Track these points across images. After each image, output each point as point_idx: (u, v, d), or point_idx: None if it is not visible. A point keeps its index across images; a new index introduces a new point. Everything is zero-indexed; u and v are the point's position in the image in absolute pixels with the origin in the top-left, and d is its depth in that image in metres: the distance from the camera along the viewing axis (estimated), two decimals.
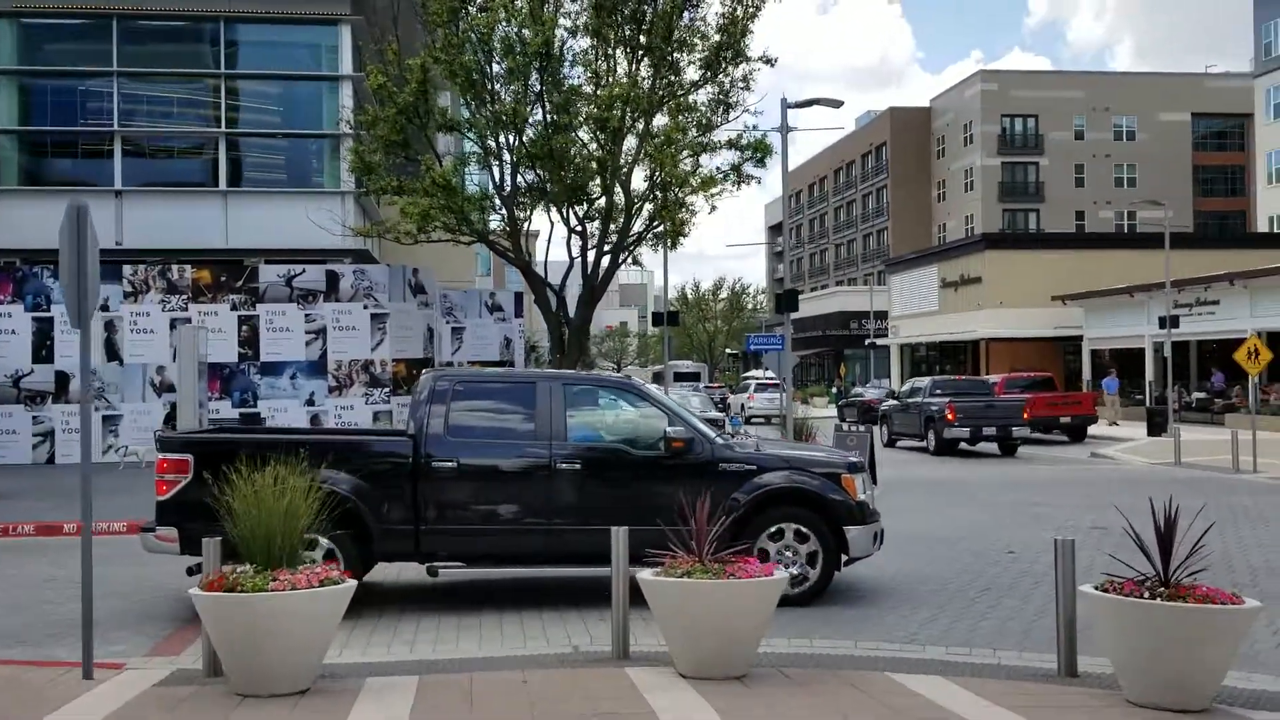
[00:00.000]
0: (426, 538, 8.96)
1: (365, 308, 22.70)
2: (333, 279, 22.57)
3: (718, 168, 19.84)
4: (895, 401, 30.96)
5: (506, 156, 19.26)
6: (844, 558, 9.41)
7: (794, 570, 9.09)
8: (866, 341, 59.03)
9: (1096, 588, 6.39)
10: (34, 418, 21.63)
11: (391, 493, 8.92)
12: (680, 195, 17.99)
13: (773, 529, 9.16)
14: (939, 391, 27.93)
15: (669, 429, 9.13)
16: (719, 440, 9.38)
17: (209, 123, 24.23)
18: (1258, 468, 21.33)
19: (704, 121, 19.53)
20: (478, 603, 9.44)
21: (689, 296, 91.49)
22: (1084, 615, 6.75)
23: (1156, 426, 31.34)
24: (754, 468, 9.23)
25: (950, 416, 25.62)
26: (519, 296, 30.42)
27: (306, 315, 22.53)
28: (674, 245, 19.71)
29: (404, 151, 19.12)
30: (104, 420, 21.76)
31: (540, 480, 9.04)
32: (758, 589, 6.57)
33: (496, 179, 19.95)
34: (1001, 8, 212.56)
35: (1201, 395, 37.60)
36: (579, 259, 20.73)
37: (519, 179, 20.06)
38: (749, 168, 20.01)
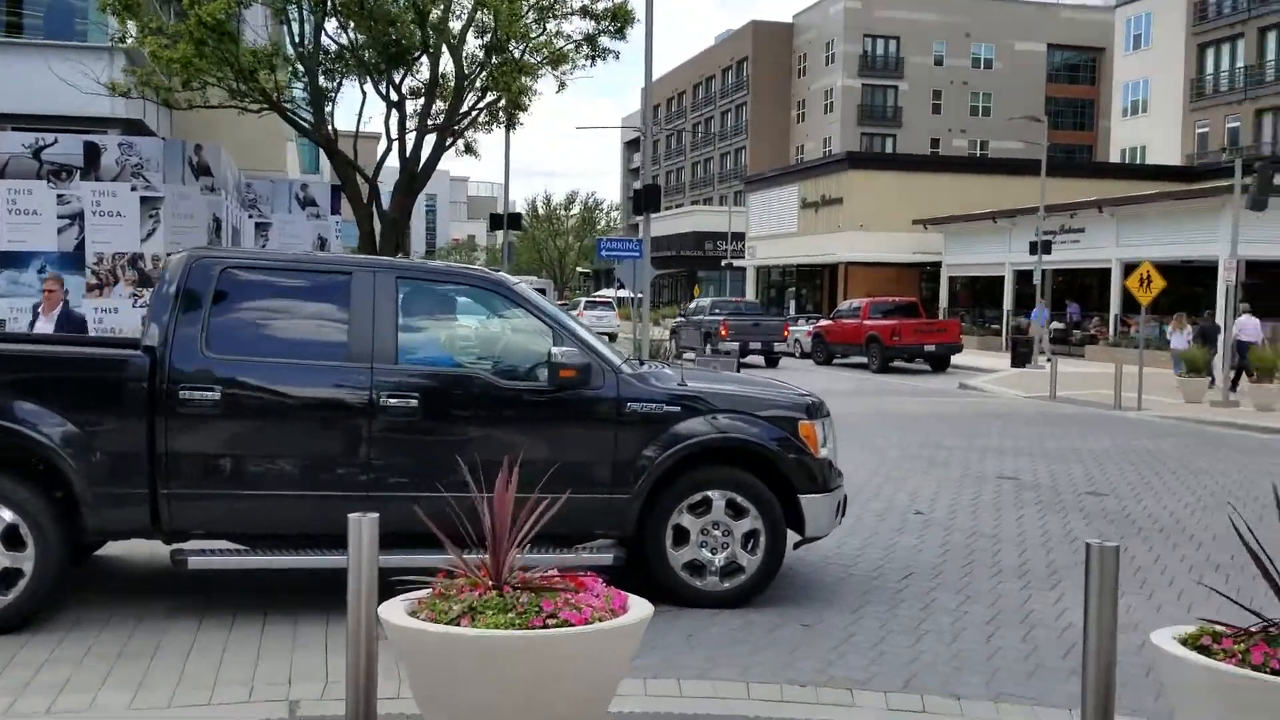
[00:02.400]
0: (171, 506, 5.78)
1: (134, 189, 18.53)
2: (92, 152, 18.30)
3: (568, 36, 16.50)
4: (683, 318, 35.19)
5: (306, 4, 15.48)
6: (795, 538, 6.64)
7: (720, 559, 6.33)
8: (723, 263, 56.76)
9: (1186, 641, 3.64)
10: None
11: (116, 437, 5.70)
12: (519, 58, 14.65)
13: (695, 498, 6.31)
14: (717, 311, 32.38)
15: (555, 350, 6.13)
16: (626, 370, 6.41)
17: None
18: (1142, 405, 19.67)
19: None
20: (188, 610, 6.22)
21: (540, 210, 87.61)
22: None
23: (1021, 357, 29.91)
24: (676, 410, 6.31)
25: (723, 332, 29.25)
26: (337, 190, 26.38)
27: (59, 196, 18.26)
28: (512, 124, 16.42)
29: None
30: None
31: (354, 422, 5.98)
32: (599, 645, 3.63)
33: (295, 34, 16.13)
34: None
35: (1059, 326, 36.57)
36: (397, 140, 17.20)
37: (324, 37, 16.30)
38: (605, 41, 16.73)
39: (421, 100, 16.88)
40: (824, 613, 6.39)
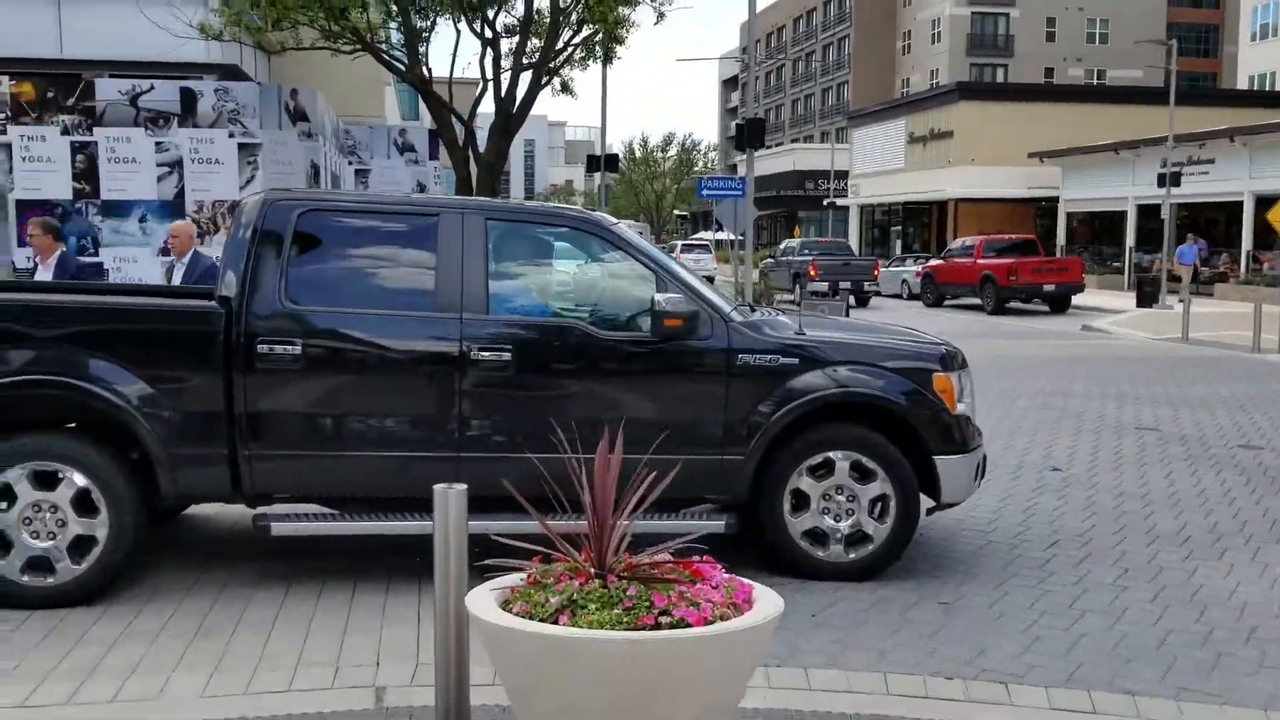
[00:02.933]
0: (253, 467, 5.36)
1: (231, 135, 18.41)
2: (189, 98, 18.19)
3: None
4: (772, 260, 34.86)
5: None
6: (929, 505, 5.97)
7: (844, 527, 5.70)
8: (825, 202, 55.23)
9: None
10: None
11: (192, 395, 5.29)
12: None
13: (816, 459, 5.67)
14: (806, 251, 32.26)
15: (659, 297, 5.50)
16: (737, 317, 5.75)
17: None
18: None
19: None
20: (273, 578, 5.84)
21: (636, 153, 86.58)
22: None
23: (1147, 297, 28.29)
24: (793, 362, 5.65)
25: (813, 272, 29.02)
26: (434, 135, 26.11)
27: (158, 143, 18.22)
28: (609, 58, 15.67)
29: None
30: None
31: (444, 378, 5.46)
32: (721, 650, 3.05)
33: None
34: None
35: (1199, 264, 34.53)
36: (492, 80, 16.63)
37: None
38: None
39: (516, 38, 16.22)
40: (964, 588, 5.72)
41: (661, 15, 15.82)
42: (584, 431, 5.41)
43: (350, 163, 23.39)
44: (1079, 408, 12.13)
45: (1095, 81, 66.82)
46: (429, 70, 15.95)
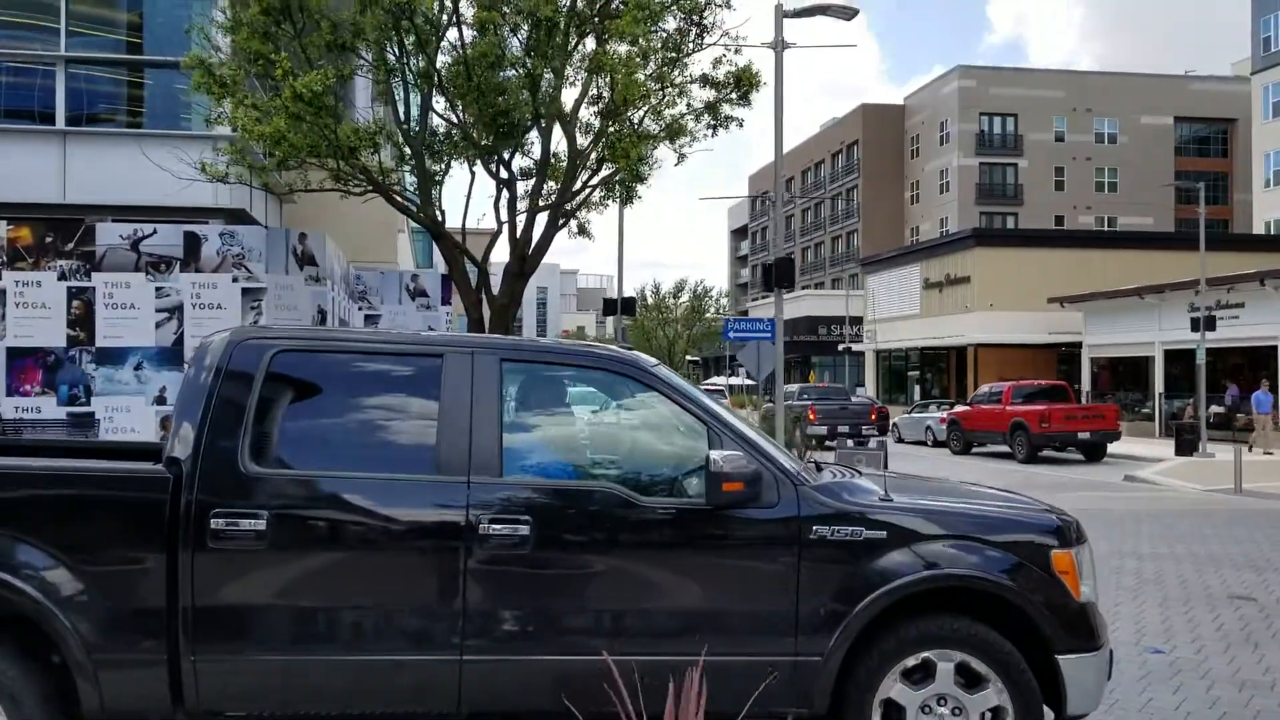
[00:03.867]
0: (199, 676, 4.23)
1: (235, 280, 17.71)
2: (193, 242, 17.55)
3: (688, 105, 15.12)
4: (771, 405, 35.22)
5: (410, 77, 14.44)
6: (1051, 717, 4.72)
7: None
8: (841, 347, 54.62)
9: None
10: None
11: (126, 582, 4.20)
12: (637, 122, 13.27)
13: (911, 661, 4.54)
14: (805, 396, 32.58)
15: (715, 455, 4.44)
16: (807, 479, 4.68)
17: (47, 44, 19.15)
18: None
19: (672, 44, 14.80)
20: None
21: (649, 299, 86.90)
22: None
23: (1186, 445, 27.08)
24: (880, 535, 4.54)
25: (811, 416, 29.45)
26: (446, 279, 25.61)
27: (158, 289, 17.51)
28: (629, 198, 15.00)
29: (270, 69, 14.18)
30: None
31: (446, 558, 4.38)
32: None
33: (400, 112, 15.12)
34: (968, 21, 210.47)
35: (1219, 410, 33.47)
36: (507, 223, 15.99)
37: (430, 116, 15.27)
38: (729, 108, 15.29)
39: (532, 180, 15.64)
40: None
41: (682, 156, 15.23)
42: (621, 623, 4.31)
43: (360, 308, 22.74)
44: (1155, 571, 10.89)
45: (1106, 228, 67.07)
46: (442, 213, 15.30)
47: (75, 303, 17.44)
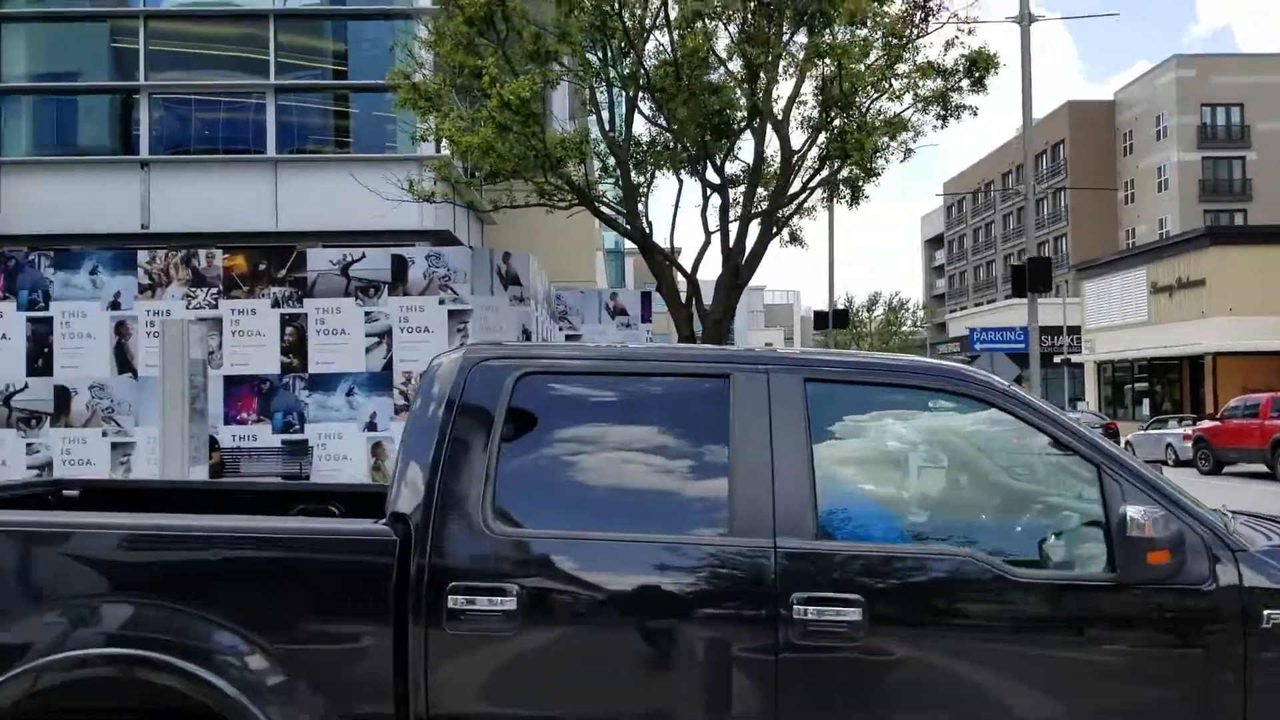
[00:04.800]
0: None
1: (441, 302, 17.35)
2: (400, 266, 17.31)
3: (915, 95, 13.73)
4: None
5: (616, 80, 13.63)
6: None
7: None
8: (1058, 359, 51.24)
9: None
10: (28, 445, 16.97)
11: (337, 674, 3.33)
12: (866, 113, 11.99)
13: None
14: None
15: (1134, 512, 3.21)
16: (1241, 540, 3.41)
17: (256, 74, 19.45)
18: None
19: (895, 29, 13.46)
20: None
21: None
22: None
23: None
24: None
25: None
26: (646, 297, 24.86)
27: (367, 313, 17.33)
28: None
29: (475, 83, 13.64)
30: (112, 448, 16.98)
31: (748, 651, 3.32)
32: None
33: (606, 121, 14.33)
34: (1171, 12, 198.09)
35: None
36: (717, 231, 15.01)
37: (635, 122, 14.42)
38: (958, 96, 13.81)
39: (743, 186, 14.57)
40: None
41: (909, 152, 13.85)
42: None
43: (561, 328, 22.24)
44: None
45: None
46: (649, 224, 14.41)
47: (288, 329, 17.45)
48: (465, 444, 3.47)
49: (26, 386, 17.38)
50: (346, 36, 20.34)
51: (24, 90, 19.52)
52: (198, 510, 4.22)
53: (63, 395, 17.30)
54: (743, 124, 13.10)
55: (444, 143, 13.93)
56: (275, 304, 17.64)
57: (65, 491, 4.73)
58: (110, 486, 5.19)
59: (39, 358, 17.25)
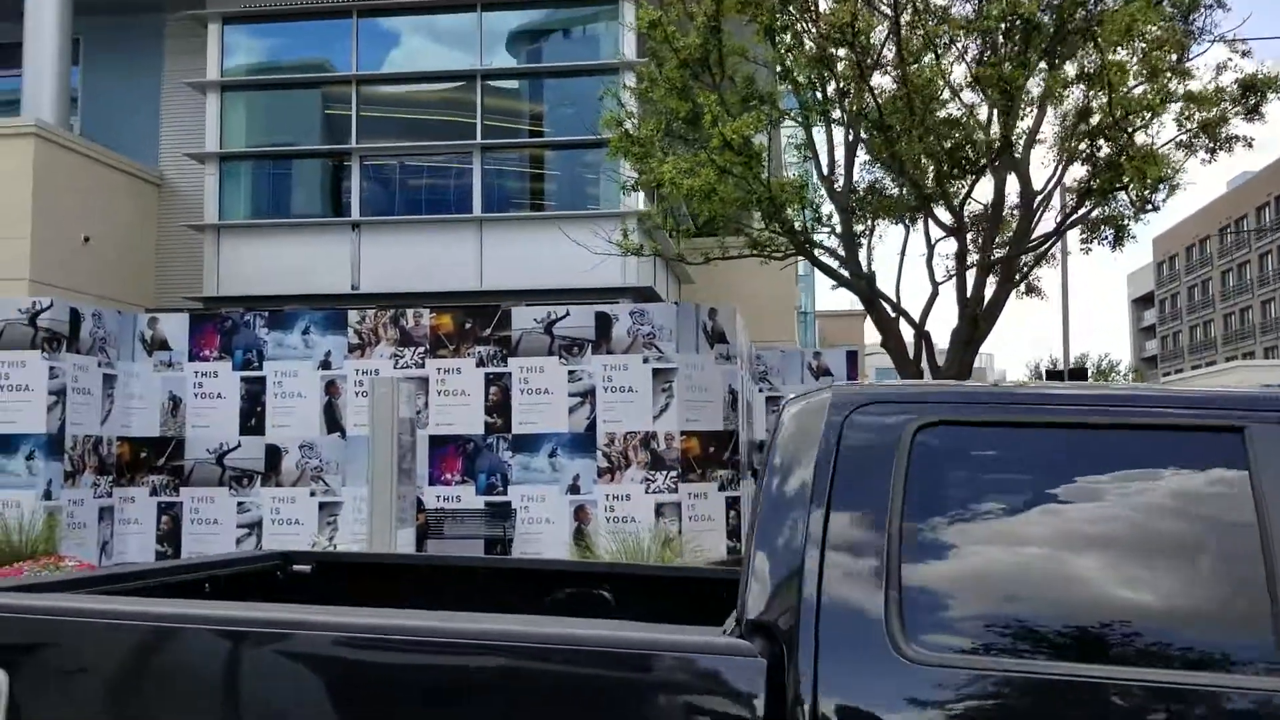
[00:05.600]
0: None
1: (646, 361, 16.66)
2: (604, 323, 16.75)
3: (1179, 125, 12.22)
4: None
5: (836, 122, 12.69)
6: None
7: None
8: None
9: None
10: (239, 504, 17.09)
11: None
12: (1148, 132, 10.61)
13: None
14: None
15: None
16: None
17: (462, 134, 19.43)
18: None
19: (1162, 50, 12.04)
20: None
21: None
22: None
23: None
24: None
25: None
26: (853, 356, 23.66)
27: (570, 372, 16.81)
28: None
29: (689, 129, 12.98)
30: (320, 508, 16.91)
31: None
32: None
33: (824, 164, 13.39)
34: None
35: None
36: (946, 280, 13.81)
37: (856, 163, 13.43)
38: (1228, 126, 12.24)
39: (977, 230, 13.32)
40: None
41: (1173, 189, 12.31)
42: None
43: (760, 389, 21.26)
44: None
45: None
46: (872, 275, 13.33)
47: (493, 389, 17.07)
48: (849, 524, 2.47)
49: (239, 445, 17.61)
50: (549, 95, 20.18)
51: (243, 156, 20.10)
52: (441, 590, 3.42)
53: (274, 454, 17.42)
54: (985, 161, 11.88)
55: (656, 192, 13.28)
56: (480, 363, 17.34)
57: (295, 565, 4.01)
58: (343, 561, 4.44)
59: (252, 416, 17.45)
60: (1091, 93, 10.61)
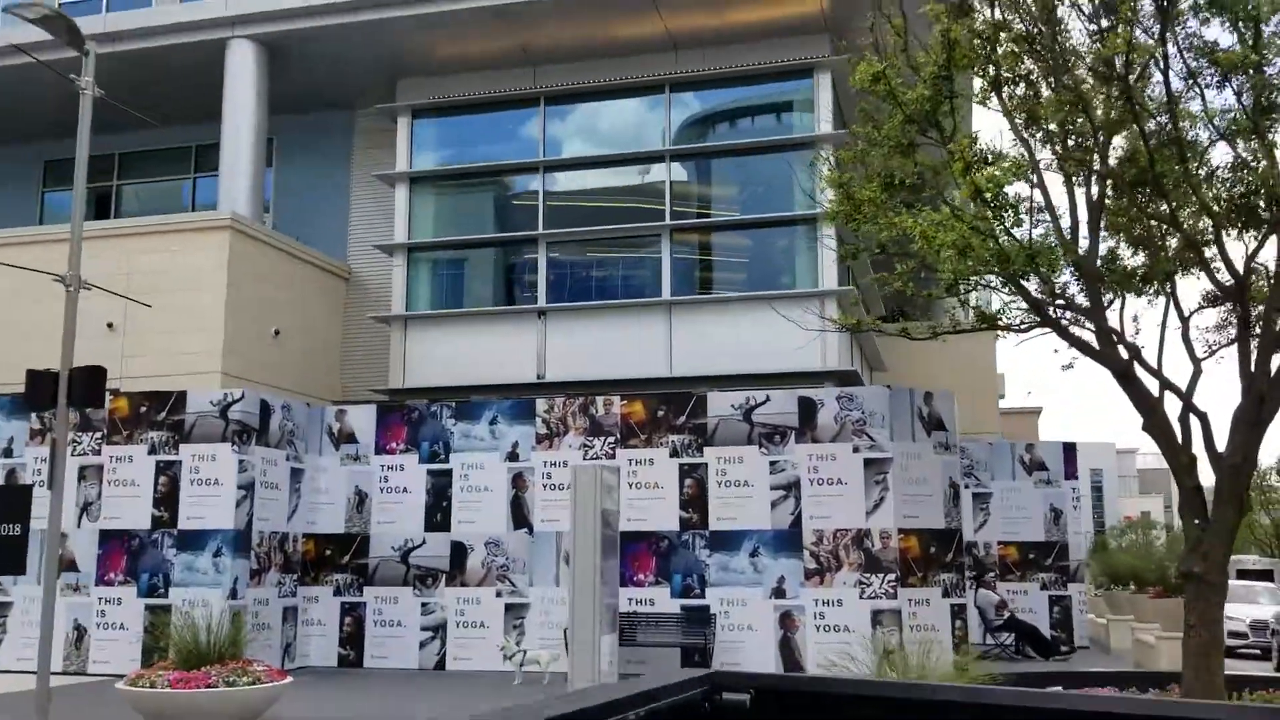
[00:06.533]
0: None
1: (856, 450, 15.22)
2: (808, 409, 15.45)
3: None
4: None
5: (1081, 185, 11.22)
6: None
7: None
8: None
9: None
10: (423, 605, 16.24)
11: None
12: None
13: None
14: None
15: None
16: None
17: (650, 216, 18.67)
18: None
19: None
20: None
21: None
22: None
23: None
24: None
25: None
26: (1070, 449, 21.67)
27: (773, 463, 15.51)
28: None
29: (911, 193, 11.75)
30: (506, 610, 15.91)
31: None
32: None
33: (1068, 223, 11.90)
34: None
35: None
36: (1213, 353, 12.07)
37: (1103, 226, 11.88)
38: None
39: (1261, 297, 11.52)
40: None
41: None
42: None
43: (966, 485, 19.40)
44: None
45: None
46: (1131, 346, 11.64)
47: (688, 481, 15.83)
48: None
49: (424, 543, 16.88)
50: (738, 174, 19.30)
51: (431, 246, 19.82)
52: None
53: (459, 551, 16.58)
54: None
55: (875, 260, 12.04)
56: (674, 453, 16.20)
57: (725, 695, 2.88)
58: (796, 688, 3.17)
59: (438, 511, 16.71)
60: None
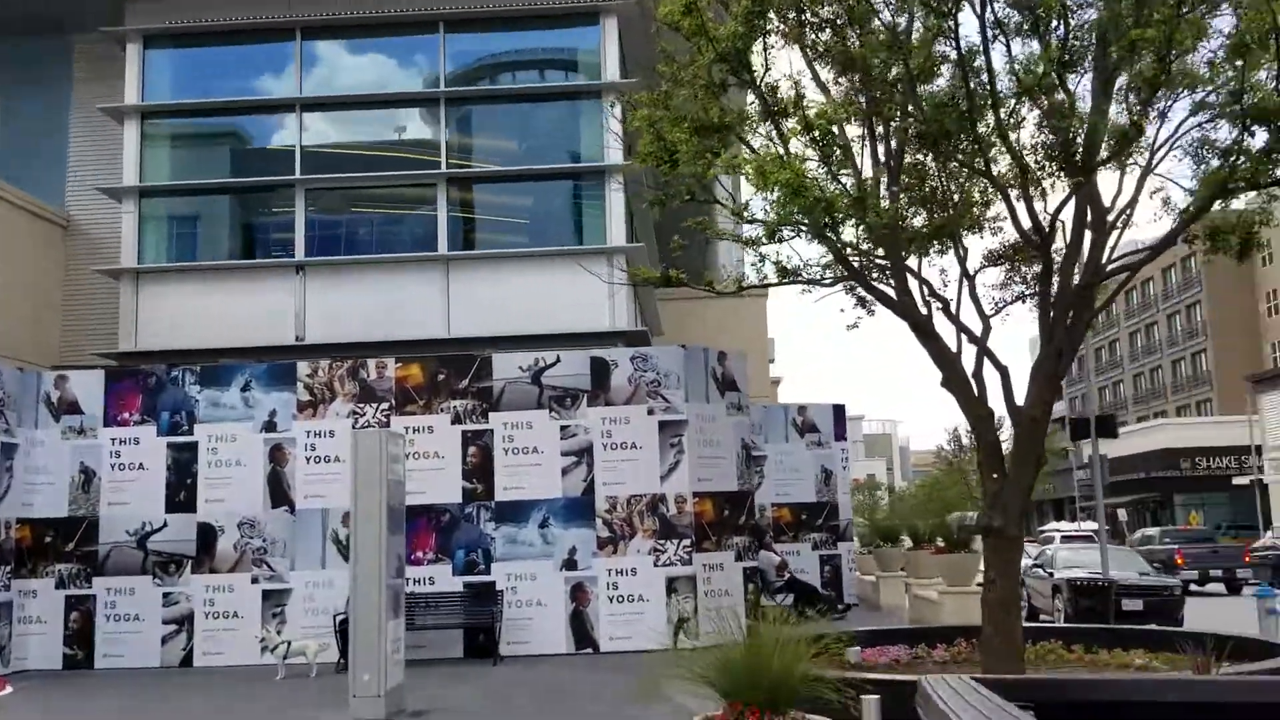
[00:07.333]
0: None
1: (650, 412, 14.52)
2: (600, 370, 14.61)
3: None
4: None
5: (883, 140, 10.84)
6: None
7: None
8: (1235, 480, 46.52)
9: None
10: (165, 595, 14.29)
11: None
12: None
13: None
14: (1168, 540, 31.11)
15: None
16: None
17: (424, 167, 17.19)
18: None
19: None
20: None
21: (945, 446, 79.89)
22: None
23: None
24: None
25: (1179, 561, 27.79)
26: (840, 411, 21.92)
27: (563, 427, 14.58)
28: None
29: (719, 137, 11.02)
30: (263, 597, 14.23)
31: None
32: None
33: (870, 162, 11.46)
34: None
35: None
36: (1010, 304, 12.06)
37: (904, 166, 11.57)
38: None
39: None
40: None
41: None
42: None
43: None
44: None
45: None
46: (929, 301, 11.41)
47: (471, 449, 14.57)
48: None
49: (166, 525, 14.82)
50: (523, 122, 18.11)
51: (168, 190, 17.53)
52: None
53: (207, 534, 14.63)
54: (1108, 156, 10.06)
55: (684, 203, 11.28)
56: (456, 419, 14.94)
57: None
58: None
59: (180, 490, 14.71)
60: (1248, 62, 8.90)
